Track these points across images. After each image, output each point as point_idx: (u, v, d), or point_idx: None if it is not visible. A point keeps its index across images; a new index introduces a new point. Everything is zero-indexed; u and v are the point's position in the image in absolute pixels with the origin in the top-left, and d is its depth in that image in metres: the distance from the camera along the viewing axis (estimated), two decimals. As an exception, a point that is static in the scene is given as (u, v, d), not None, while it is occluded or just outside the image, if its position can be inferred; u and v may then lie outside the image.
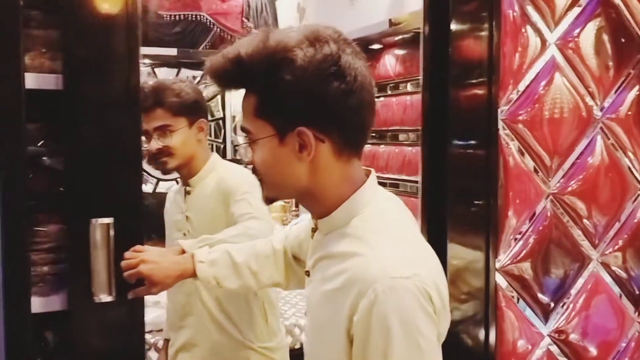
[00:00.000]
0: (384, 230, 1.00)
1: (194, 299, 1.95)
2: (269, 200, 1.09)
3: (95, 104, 1.43)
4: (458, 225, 1.82)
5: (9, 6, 1.34)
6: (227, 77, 1.03)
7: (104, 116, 1.44)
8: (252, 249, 1.44)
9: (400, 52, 3.42)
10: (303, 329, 2.69)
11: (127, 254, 1.40)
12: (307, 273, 1.12)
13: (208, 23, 4.17)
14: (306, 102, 0.98)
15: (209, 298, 1.94)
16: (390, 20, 3.16)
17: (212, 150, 2.87)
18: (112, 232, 1.40)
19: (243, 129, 1.05)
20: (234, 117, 4.11)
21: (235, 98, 4.54)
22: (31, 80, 1.39)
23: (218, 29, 4.22)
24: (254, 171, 1.07)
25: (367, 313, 0.91)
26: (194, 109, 1.94)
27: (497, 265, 1.74)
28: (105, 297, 1.41)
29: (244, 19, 4.32)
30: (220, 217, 1.87)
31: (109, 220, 1.40)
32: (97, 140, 1.44)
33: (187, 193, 2.00)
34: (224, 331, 1.95)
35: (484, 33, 1.75)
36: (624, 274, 1.88)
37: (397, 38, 3.35)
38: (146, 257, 1.39)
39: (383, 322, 0.90)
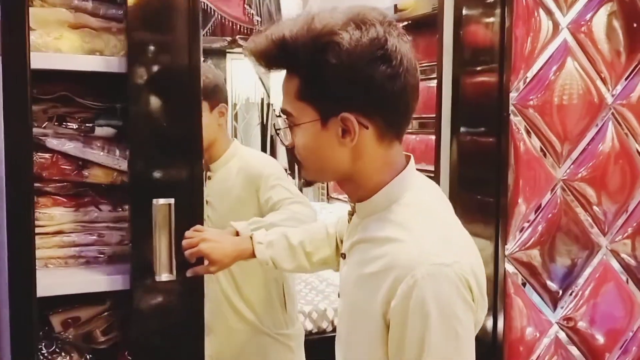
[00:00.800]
0: (424, 216, 0.98)
1: (212, 285, 1.94)
2: (307, 183, 1.08)
3: (157, 87, 1.44)
4: (467, 212, 1.80)
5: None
6: (270, 59, 1.00)
7: (166, 99, 1.45)
8: (307, 232, 1.46)
9: (406, 38, 3.38)
10: (336, 313, 2.65)
11: (187, 233, 1.42)
12: (343, 255, 1.11)
13: (208, 10, 4.12)
14: (351, 87, 0.95)
15: (228, 284, 1.94)
16: (395, 5, 3.12)
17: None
18: (172, 213, 1.42)
19: (284, 111, 1.03)
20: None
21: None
22: (94, 63, 1.44)
23: (219, 16, 4.17)
24: (294, 154, 1.05)
25: (405, 298, 0.90)
26: (214, 94, 1.94)
27: (506, 252, 1.72)
28: (166, 276, 1.43)
29: (245, 5, 4.28)
30: (245, 202, 1.89)
31: (170, 200, 1.42)
32: (159, 122, 1.45)
33: (207, 178, 1.99)
34: (242, 317, 1.95)
35: (496, 18, 1.73)
36: (633, 262, 1.87)
37: (402, 24, 3.31)
38: (206, 236, 1.42)
39: (421, 308, 0.89)
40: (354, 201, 1.07)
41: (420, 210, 0.99)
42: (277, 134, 1.10)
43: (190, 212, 1.46)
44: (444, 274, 0.90)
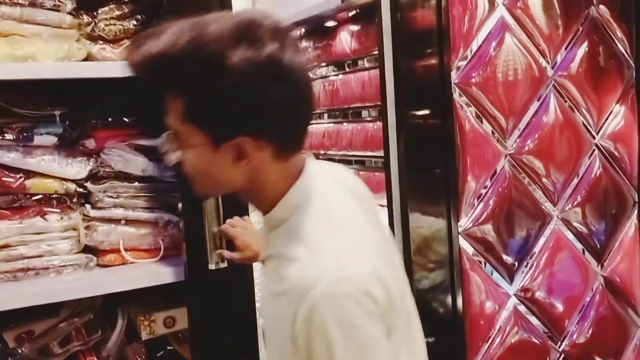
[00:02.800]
0: (324, 226, 0.94)
1: None
2: (202, 197, 1.06)
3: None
4: (419, 193, 1.81)
5: None
6: (150, 76, 0.91)
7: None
8: None
9: (354, 27, 3.38)
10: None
11: (228, 221, 1.46)
12: (264, 262, 1.09)
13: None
14: (246, 111, 0.88)
15: None
16: (342, -6, 3.11)
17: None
18: (221, 204, 1.48)
19: (170, 128, 0.94)
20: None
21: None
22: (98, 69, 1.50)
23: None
24: (183, 170, 0.98)
25: (306, 322, 0.87)
26: None
27: (460, 229, 1.74)
28: (218, 264, 1.51)
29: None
30: None
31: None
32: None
33: None
34: None
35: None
36: (584, 229, 1.90)
37: (351, 14, 3.31)
38: (240, 223, 1.44)
39: (324, 330, 0.86)
40: (262, 214, 1.03)
41: (320, 220, 0.95)
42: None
43: (237, 203, 1.49)
44: (342, 291, 0.86)
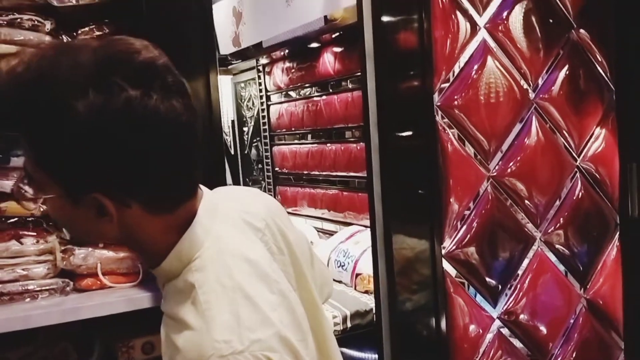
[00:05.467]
0: (217, 285, 0.84)
1: None
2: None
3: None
4: (402, 215, 1.81)
5: None
6: None
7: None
8: None
9: (338, 49, 3.40)
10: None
11: None
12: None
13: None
14: (94, 166, 0.76)
15: None
16: (325, 17, 3.13)
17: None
18: None
19: (25, 171, 0.82)
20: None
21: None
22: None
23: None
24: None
25: None
26: None
27: (443, 251, 1.73)
28: None
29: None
30: None
31: None
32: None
33: None
34: None
35: (415, 22, 1.74)
36: (567, 252, 1.91)
37: (334, 35, 3.34)
38: None
39: None
40: (149, 267, 0.93)
41: (212, 279, 0.84)
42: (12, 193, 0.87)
43: None
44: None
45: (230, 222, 0.95)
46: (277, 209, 1.09)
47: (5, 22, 1.47)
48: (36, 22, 1.48)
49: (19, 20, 1.48)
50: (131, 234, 0.85)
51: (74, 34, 1.56)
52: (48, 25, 1.50)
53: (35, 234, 1.53)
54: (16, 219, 1.52)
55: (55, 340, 1.60)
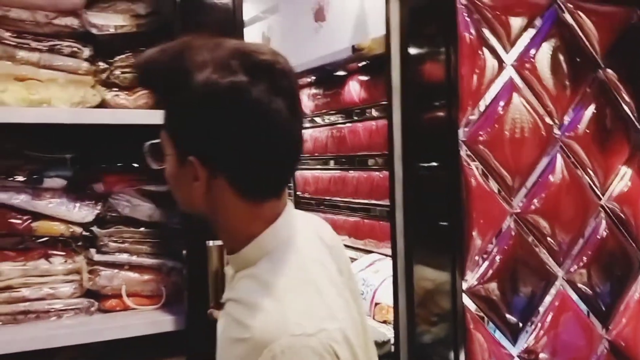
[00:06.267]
0: (294, 279, 0.92)
1: None
2: (185, 212, 1.01)
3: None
4: (423, 247, 1.81)
5: None
6: (140, 76, 0.97)
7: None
8: None
9: (364, 78, 3.44)
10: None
11: None
12: (222, 305, 1.04)
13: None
14: (196, 132, 0.88)
15: None
16: (353, 46, 3.18)
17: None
18: (224, 253, 1.45)
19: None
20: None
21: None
22: (141, 116, 1.52)
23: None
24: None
25: None
26: None
27: (464, 286, 1.72)
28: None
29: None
30: None
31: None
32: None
33: None
34: None
35: (442, 56, 1.77)
36: (589, 291, 1.89)
37: (360, 64, 3.37)
38: None
39: None
40: (227, 252, 1.01)
41: (290, 271, 0.92)
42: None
43: None
44: (306, 345, 0.83)
45: (307, 231, 1.04)
46: (339, 239, 1.16)
47: (46, 48, 1.52)
48: (75, 49, 1.54)
49: (58, 46, 1.54)
50: (217, 209, 0.93)
51: (110, 60, 1.61)
52: (86, 52, 1.56)
53: (64, 253, 1.57)
54: (46, 238, 1.56)
55: (77, 359, 1.62)
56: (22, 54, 1.50)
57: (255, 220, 0.94)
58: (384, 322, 2.68)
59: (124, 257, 1.61)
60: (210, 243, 1.48)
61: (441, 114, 1.78)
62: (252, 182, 0.92)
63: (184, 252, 1.56)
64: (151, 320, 1.56)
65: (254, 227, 0.94)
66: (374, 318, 2.77)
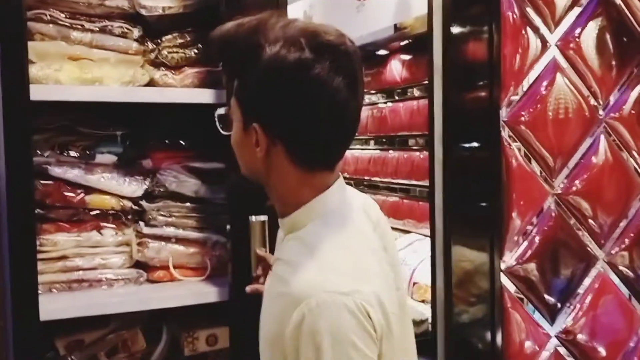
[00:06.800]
0: (337, 242, 0.97)
1: None
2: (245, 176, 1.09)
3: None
4: (462, 227, 1.83)
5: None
6: (215, 48, 1.03)
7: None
8: None
9: (406, 57, 3.42)
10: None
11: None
12: (258, 280, 1.12)
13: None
14: (263, 101, 0.96)
15: None
16: (395, 25, 3.16)
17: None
18: (267, 229, 1.53)
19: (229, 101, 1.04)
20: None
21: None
22: (188, 95, 1.60)
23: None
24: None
25: (297, 327, 0.88)
26: None
27: (503, 266, 1.73)
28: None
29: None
30: None
31: (264, 217, 1.52)
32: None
33: None
34: None
35: (485, 35, 1.76)
36: (631, 274, 1.87)
37: (402, 43, 3.36)
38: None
39: (313, 339, 0.87)
40: (279, 216, 1.08)
41: (334, 236, 0.98)
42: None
43: None
44: (340, 303, 0.88)
45: (355, 204, 1.10)
46: (385, 218, 1.20)
47: (97, 29, 1.58)
48: (125, 30, 1.60)
49: (110, 27, 1.59)
50: (273, 174, 1.01)
51: (159, 40, 1.66)
52: (136, 33, 1.61)
53: (114, 226, 1.65)
54: (98, 211, 1.64)
55: (126, 326, 1.70)
56: (75, 34, 1.56)
57: (306, 188, 1.01)
58: (422, 301, 2.71)
59: (170, 231, 1.67)
60: (253, 219, 1.53)
61: (483, 94, 1.78)
62: (307, 151, 0.99)
63: (228, 226, 1.61)
64: (196, 292, 1.62)
65: (304, 193, 1.01)
66: (412, 297, 2.80)
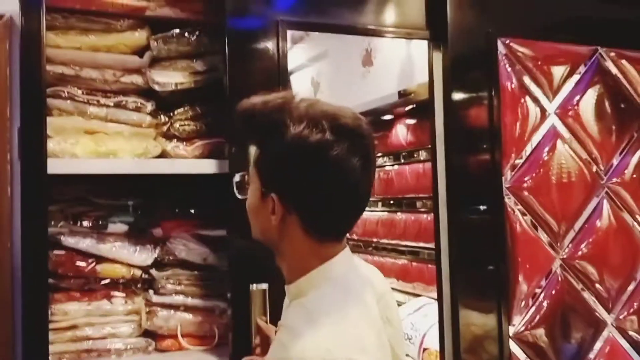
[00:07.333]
0: (335, 309, 1.01)
1: None
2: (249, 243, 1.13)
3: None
4: (470, 291, 1.83)
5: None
6: (240, 120, 1.07)
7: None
8: None
9: (410, 121, 3.50)
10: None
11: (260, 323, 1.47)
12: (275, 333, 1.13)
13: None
14: (283, 176, 1.02)
15: None
16: (399, 91, 3.25)
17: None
18: (267, 297, 1.52)
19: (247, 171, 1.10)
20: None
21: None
22: (197, 166, 1.64)
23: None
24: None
25: None
26: None
27: (511, 332, 1.73)
28: None
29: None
30: None
31: (265, 285, 1.52)
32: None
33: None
34: None
35: (485, 104, 1.81)
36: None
37: (407, 108, 3.44)
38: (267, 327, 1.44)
39: None
40: (285, 282, 1.11)
41: (332, 303, 1.02)
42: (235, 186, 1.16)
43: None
44: None
45: (360, 274, 1.13)
46: (390, 289, 1.23)
47: (112, 104, 1.65)
48: (139, 104, 1.66)
49: (124, 102, 1.66)
50: (284, 240, 1.06)
51: (171, 114, 1.72)
52: (149, 107, 1.68)
53: (124, 295, 1.67)
54: (109, 280, 1.66)
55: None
56: (91, 109, 1.63)
57: (314, 256, 1.05)
58: (433, 366, 2.67)
59: (179, 299, 1.69)
60: (254, 287, 1.52)
61: (485, 160, 1.81)
62: (320, 223, 1.04)
63: (229, 294, 1.62)
64: (203, 361, 1.62)
65: (312, 261, 1.06)
66: (422, 362, 2.76)
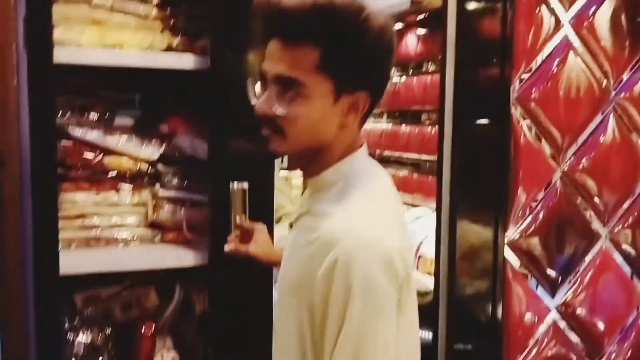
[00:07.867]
0: (362, 196, 1.02)
1: None
2: (276, 155, 1.12)
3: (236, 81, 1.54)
4: (469, 201, 1.86)
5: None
6: (301, 23, 0.97)
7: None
8: None
9: (421, 31, 3.43)
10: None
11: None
12: (291, 225, 1.16)
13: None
14: (373, 68, 1.03)
15: None
16: (411, -2, 3.16)
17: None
18: (247, 195, 1.49)
19: (289, 79, 0.98)
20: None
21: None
22: (177, 60, 1.61)
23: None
24: (277, 122, 1.01)
25: (329, 270, 0.93)
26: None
27: (506, 239, 1.78)
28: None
29: None
30: None
31: (245, 185, 1.48)
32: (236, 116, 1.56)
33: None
34: None
35: (499, 12, 1.77)
36: (633, 252, 1.91)
37: (418, 17, 3.36)
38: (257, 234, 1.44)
39: (345, 281, 0.93)
40: (307, 176, 1.11)
41: (361, 189, 1.03)
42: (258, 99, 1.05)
43: (263, 195, 1.61)
44: (372, 252, 0.95)
45: (382, 169, 1.16)
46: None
47: (118, -6, 1.62)
48: (145, -5, 1.63)
49: (131, -8, 1.62)
50: (337, 138, 1.04)
51: (177, 8, 1.69)
52: (155, -2, 1.64)
53: (131, 187, 1.70)
54: (116, 172, 1.69)
55: (140, 283, 1.77)
56: (97, -2, 1.60)
57: (348, 145, 1.07)
58: (428, 273, 2.75)
59: (185, 194, 1.72)
60: (234, 186, 1.44)
61: (494, 70, 1.80)
62: (376, 105, 1.07)
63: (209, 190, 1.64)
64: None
65: (344, 151, 1.06)
66: (417, 269, 2.85)
